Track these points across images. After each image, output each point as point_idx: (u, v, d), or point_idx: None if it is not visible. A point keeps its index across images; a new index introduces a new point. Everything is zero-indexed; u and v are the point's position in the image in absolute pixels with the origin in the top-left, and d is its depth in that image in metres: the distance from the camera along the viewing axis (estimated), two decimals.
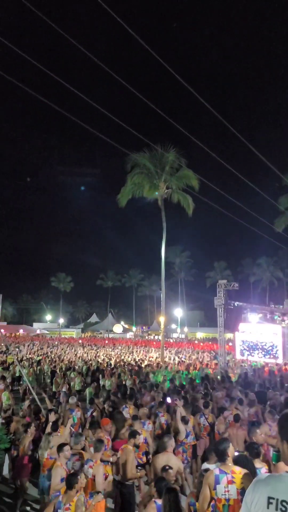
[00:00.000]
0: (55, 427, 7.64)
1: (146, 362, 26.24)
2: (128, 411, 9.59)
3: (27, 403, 10.78)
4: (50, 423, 7.78)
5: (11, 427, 9.12)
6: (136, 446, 7.18)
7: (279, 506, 1.86)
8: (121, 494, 6.59)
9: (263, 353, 24.63)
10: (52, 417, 8.00)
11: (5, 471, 9.07)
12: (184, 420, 8.17)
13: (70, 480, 5.19)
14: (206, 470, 5.30)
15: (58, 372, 19.88)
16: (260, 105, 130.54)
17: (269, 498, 1.91)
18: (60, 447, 6.19)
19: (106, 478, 6.18)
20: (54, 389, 16.35)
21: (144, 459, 7.90)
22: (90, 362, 25.61)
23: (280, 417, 2.15)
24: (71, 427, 8.50)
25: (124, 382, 15.97)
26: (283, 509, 1.84)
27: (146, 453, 7.91)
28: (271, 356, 24.18)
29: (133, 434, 7.07)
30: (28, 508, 7.86)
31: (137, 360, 28.58)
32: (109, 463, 7.19)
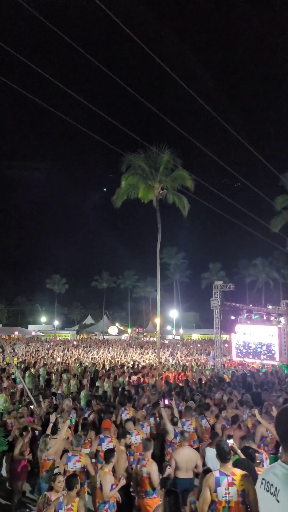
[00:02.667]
0: (54, 430, 7.62)
1: (141, 364, 26.15)
2: (127, 413, 9.54)
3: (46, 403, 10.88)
4: (51, 425, 7.72)
5: (13, 429, 9.03)
6: (127, 446, 7.18)
7: (265, 486, 2.31)
8: None
9: (260, 354, 24.63)
10: (53, 418, 7.94)
11: (3, 473, 9.01)
12: (173, 421, 8.13)
13: (71, 481, 5.15)
14: (207, 470, 5.25)
15: (53, 374, 19.79)
16: (257, 104, 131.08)
17: (262, 479, 2.38)
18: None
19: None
20: (53, 390, 16.38)
21: None
22: (85, 364, 25.48)
23: (276, 417, 2.40)
24: (68, 429, 8.47)
25: (120, 385, 15.91)
26: (267, 488, 2.29)
27: None
28: (268, 357, 24.18)
29: (124, 434, 7.10)
30: (27, 510, 7.81)
31: (132, 362, 28.48)
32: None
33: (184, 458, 6.48)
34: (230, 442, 5.42)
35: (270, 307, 27.09)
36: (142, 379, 17.65)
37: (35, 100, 12.88)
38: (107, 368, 22.30)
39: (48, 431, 7.55)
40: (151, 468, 5.98)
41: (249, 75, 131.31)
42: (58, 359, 30.28)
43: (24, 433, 7.98)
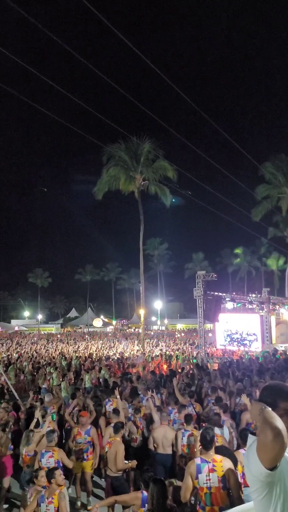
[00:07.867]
0: (38, 424, 7.57)
1: (127, 355, 26.23)
2: (111, 404, 9.54)
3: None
4: (35, 420, 7.67)
5: None
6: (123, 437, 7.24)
7: None
8: (112, 487, 6.56)
9: (243, 342, 24.96)
10: (37, 413, 7.89)
11: None
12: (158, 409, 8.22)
13: (49, 475, 5.31)
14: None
15: (39, 368, 19.72)
16: (237, 95, 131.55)
17: None
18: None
19: None
20: (39, 385, 16.40)
21: None
22: (70, 357, 25.43)
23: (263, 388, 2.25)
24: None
25: (104, 377, 15.90)
26: None
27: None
28: (251, 345, 24.53)
29: (117, 427, 7.03)
30: (12, 505, 7.75)
31: (117, 353, 28.53)
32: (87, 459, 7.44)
33: (161, 435, 7.12)
34: None
35: (253, 295, 27.34)
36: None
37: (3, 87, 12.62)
38: (92, 360, 22.31)
39: (32, 426, 7.50)
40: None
41: (228, 66, 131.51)
42: (43, 353, 30.11)
43: (6, 429, 7.88)
